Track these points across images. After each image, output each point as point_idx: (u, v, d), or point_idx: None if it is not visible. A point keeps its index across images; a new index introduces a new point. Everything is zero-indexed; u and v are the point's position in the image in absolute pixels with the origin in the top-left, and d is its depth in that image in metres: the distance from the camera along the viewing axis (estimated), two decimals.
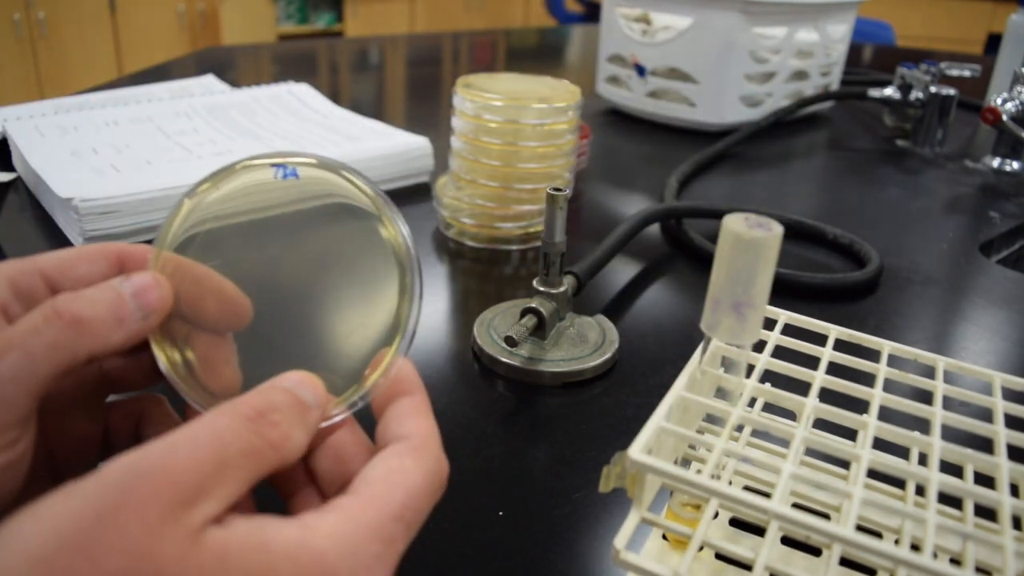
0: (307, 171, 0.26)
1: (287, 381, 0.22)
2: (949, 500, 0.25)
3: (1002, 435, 0.27)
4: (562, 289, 0.44)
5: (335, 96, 0.85)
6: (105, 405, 0.26)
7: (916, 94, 0.90)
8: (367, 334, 0.25)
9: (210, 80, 0.94)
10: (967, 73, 0.92)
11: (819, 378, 0.29)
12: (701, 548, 0.23)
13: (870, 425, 0.27)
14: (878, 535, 0.28)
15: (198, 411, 0.24)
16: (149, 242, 0.25)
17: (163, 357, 0.24)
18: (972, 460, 0.26)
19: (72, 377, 0.24)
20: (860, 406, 0.28)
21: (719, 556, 0.29)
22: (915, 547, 0.25)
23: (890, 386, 0.29)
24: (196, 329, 0.24)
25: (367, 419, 0.25)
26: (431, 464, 0.22)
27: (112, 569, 0.16)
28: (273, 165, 0.25)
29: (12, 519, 0.16)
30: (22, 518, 0.16)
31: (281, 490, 0.24)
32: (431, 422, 0.24)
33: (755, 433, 0.32)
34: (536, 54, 1.58)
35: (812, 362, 0.30)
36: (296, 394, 0.22)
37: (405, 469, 0.22)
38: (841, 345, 0.32)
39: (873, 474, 0.27)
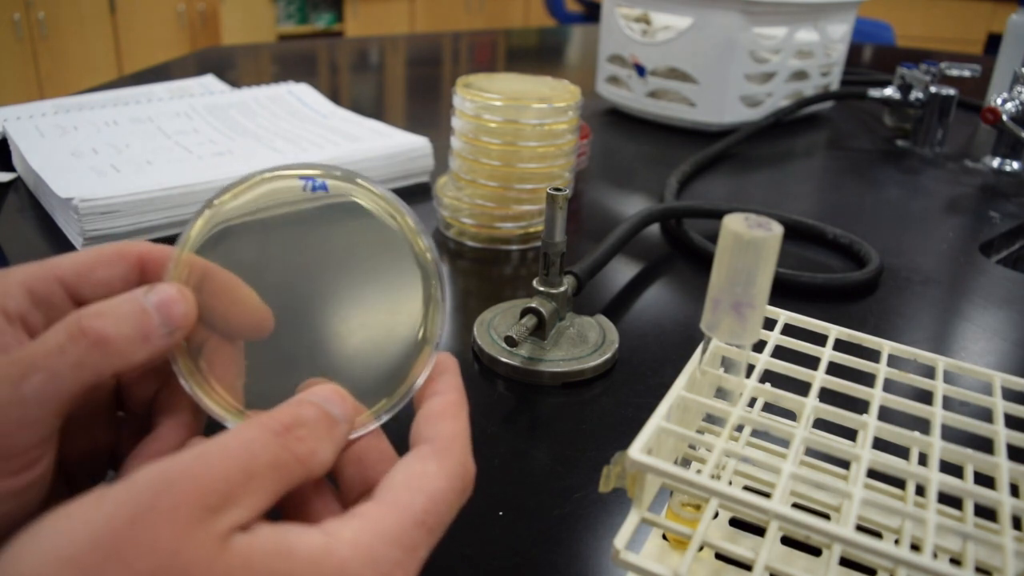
0: (333, 183, 0.26)
1: (316, 395, 0.23)
2: (949, 500, 0.25)
3: (1002, 435, 0.27)
4: (562, 289, 0.44)
5: (335, 96, 0.85)
6: (118, 418, 0.26)
7: (916, 94, 0.90)
8: (394, 345, 0.25)
9: (210, 80, 0.94)
10: (967, 73, 0.91)
11: (819, 378, 0.29)
12: (701, 548, 0.23)
13: (870, 425, 0.27)
14: (878, 535, 0.28)
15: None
16: (168, 240, 0.25)
17: (182, 365, 0.24)
18: (972, 460, 0.26)
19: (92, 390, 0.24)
20: (860, 406, 0.28)
21: (719, 556, 0.29)
22: (915, 547, 0.25)
23: (890, 386, 0.29)
24: (214, 337, 0.24)
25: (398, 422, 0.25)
26: (454, 468, 0.22)
27: (142, 570, 0.16)
28: (301, 177, 0.25)
29: (43, 519, 0.17)
30: (54, 519, 0.17)
31: (302, 499, 0.24)
32: (459, 423, 0.24)
33: (755, 433, 0.32)
34: (536, 54, 1.58)
35: (812, 362, 0.30)
36: (324, 409, 0.22)
37: (427, 473, 0.22)
38: (841, 345, 0.32)
39: (873, 474, 0.27)
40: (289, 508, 0.23)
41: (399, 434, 0.25)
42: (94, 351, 0.20)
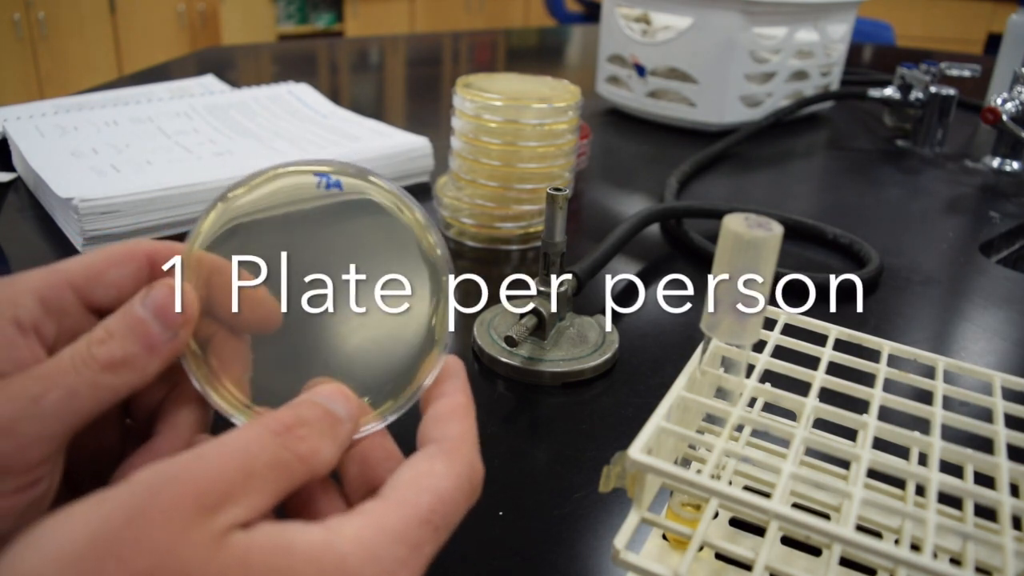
0: (347, 180, 0.25)
1: (319, 395, 0.23)
2: (949, 500, 0.25)
3: (1002, 435, 0.27)
4: (562, 289, 0.44)
5: (335, 96, 0.85)
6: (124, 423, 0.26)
7: (916, 94, 0.90)
8: (402, 344, 0.25)
9: (210, 80, 0.94)
10: (967, 73, 0.91)
11: (819, 378, 0.29)
12: (701, 548, 0.23)
13: (870, 425, 0.27)
14: (878, 535, 0.28)
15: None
16: (177, 237, 0.24)
17: (189, 358, 0.23)
18: (972, 460, 0.26)
19: None
20: (860, 406, 0.28)
21: (719, 556, 0.29)
22: (915, 547, 0.25)
23: (890, 386, 0.29)
24: (222, 331, 0.24)
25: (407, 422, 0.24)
26: (462, 468, 0.22)
27: (139, 568, 0.16)
28: (317, 174, 0.25)
29: (44, 521, 0.17)
30: (55, 520, 0.17)
31: (307, 497, 0.24)
32: (467, 424, 0.24)
33: (755, 433, 0.32)
34: (536, 54, 1.58)
35: (812, 362, 0.30)
36: (328, 408, 0.22)
37: (434, 472, 0.22)
38: (841, 345, 0.32)
39: (873, 474, 0.27)
40: (293, 507, 0.23)
41: (405, 439, 0.25)
42: (106, 375, 0.21)
